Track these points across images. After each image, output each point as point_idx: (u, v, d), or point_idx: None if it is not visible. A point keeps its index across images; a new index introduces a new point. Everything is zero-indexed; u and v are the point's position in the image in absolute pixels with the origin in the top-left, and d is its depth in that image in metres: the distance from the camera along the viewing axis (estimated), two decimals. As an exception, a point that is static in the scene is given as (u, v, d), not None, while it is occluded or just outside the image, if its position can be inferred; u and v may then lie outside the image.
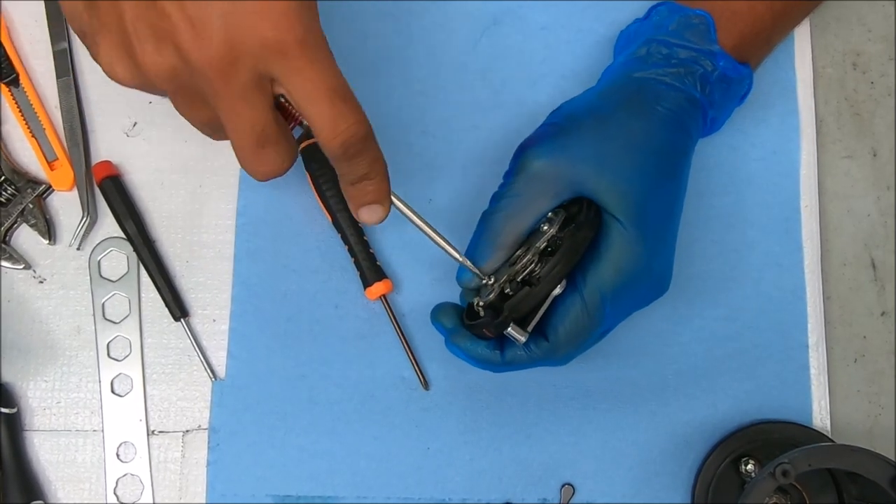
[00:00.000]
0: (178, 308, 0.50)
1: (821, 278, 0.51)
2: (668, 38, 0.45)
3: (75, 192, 0.51)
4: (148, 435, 0.49)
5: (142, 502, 0.49)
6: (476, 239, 0.44)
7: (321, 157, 0.50)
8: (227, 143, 0.37)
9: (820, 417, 0.50)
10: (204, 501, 0.49)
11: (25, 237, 0.51)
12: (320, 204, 0.50)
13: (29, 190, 0.51)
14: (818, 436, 0.48)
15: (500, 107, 0.53)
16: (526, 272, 0.42)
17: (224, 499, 0.49)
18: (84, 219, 0.51)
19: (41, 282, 0.51)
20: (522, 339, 0.42)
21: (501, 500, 0.49)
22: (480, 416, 0.50)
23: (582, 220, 0.42)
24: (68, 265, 0.51)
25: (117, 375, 0.50)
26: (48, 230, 0.51)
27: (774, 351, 0.50)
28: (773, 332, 0.51)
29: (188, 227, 0.52)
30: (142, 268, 0.51)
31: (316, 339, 0.50)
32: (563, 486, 0.49)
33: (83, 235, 0.51)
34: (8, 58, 0.52)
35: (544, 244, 0.42)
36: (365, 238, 0.50)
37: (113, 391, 0.50)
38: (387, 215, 0.40)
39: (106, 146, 0.52)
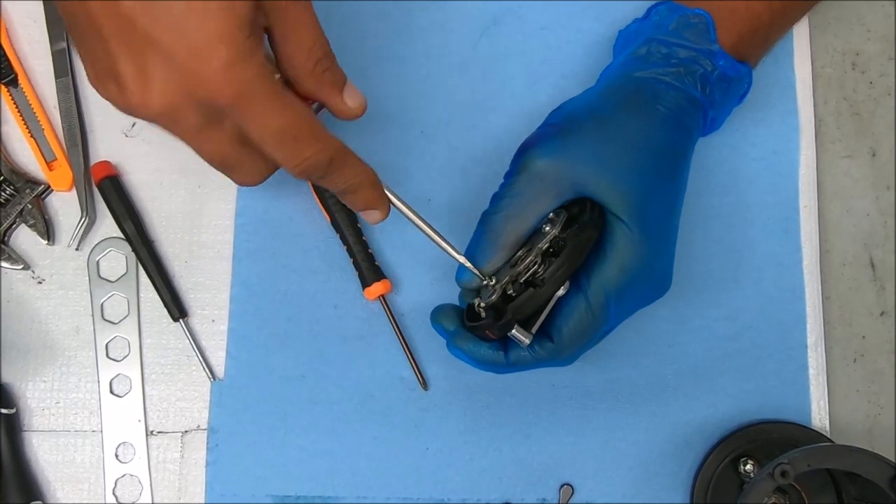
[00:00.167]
0: (176, 308, 0.50)
1: (820, 278, 0.51)
2: (668, 38, 0.45)
3: (74, 193, 0.51)
4: (147, 435, 0.49)
5: (141, 503, 0.49)
6: (476, 239, 0.44)
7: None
8: None
9: (819, 417, 0.50)
10: (203, 502, 0.49)
11: (24, 237, 0.51)
12: (319, 204, 0.50)
13: (28, 190, 0.51)
14: (817, 436, 0.49)
15: (500, 107, 0.53)
16: (529, 273, 0.42)
17: (223, 499, 0.49)
18: (83, 219, 0.51)
19: (40, 282, 0.51)
20: (527, 340, 0.42)
21: (501, 500, 0.49)
22: (480, 416, 0.50)
23: (586, 220, 0.42)
24: (67, 265, 0.51)
25: (116, 376, 0.50)
26: (47, 230, 0.51)
27: (774, 351, 0.50)
28: (772, 332, 0.51)
29: (187, 228, 0.52)
30: (141, 268, 0.51)
31: (315, 339, 0.50)
32: (562, 486, 0.49)
33: (82, 236, 0.51)
34: (7, 58, 0.52)
35: (547, 245, 0.42)
36: (364, 238, 0.50)
37: (112, 391, 0.50)
38: (385, 216, 0.42)
39: (105, 146, 0.52)
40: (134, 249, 0.50)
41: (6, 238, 0.51)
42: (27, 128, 0.51)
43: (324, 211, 0.50)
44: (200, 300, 0.51)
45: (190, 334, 0.50)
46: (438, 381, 0.50)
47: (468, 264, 0.43)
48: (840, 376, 0.51)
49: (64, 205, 0.52)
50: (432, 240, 0.42)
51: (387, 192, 0.41)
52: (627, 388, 0.50)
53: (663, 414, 0.50)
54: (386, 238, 0.51)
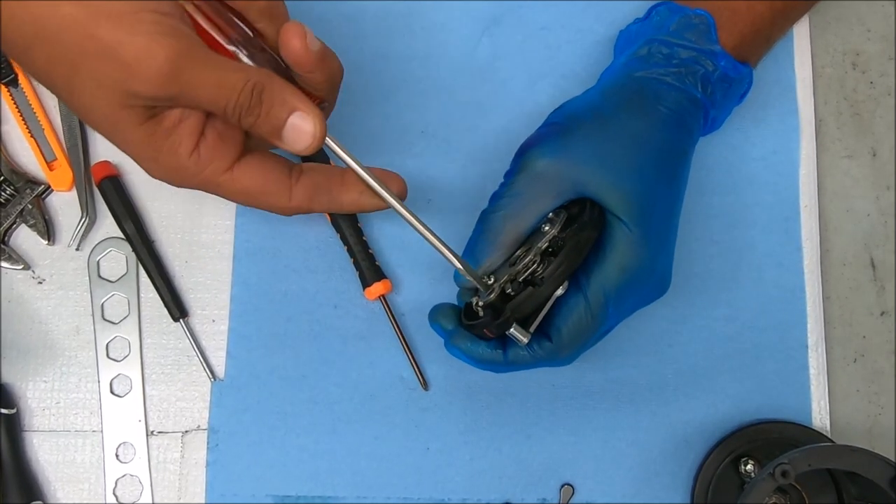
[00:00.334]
0: (177, 308, 0.50)
1: (820, 278, 0.51)
2: (669, 38, 0.45)
3: (74, 193, 0.51)
4: (147, 435, 0.49)
5: (141, 503, 0.49)
6: (475, 237, 0.43)
7: (319, 158, 0.50)
8: None
9: (819, 417, 0.50)
10: (203, 502, 0.49)
11: (24, 237, 0.51)
12: (320, 204, 0.50)
13: (28, 190, 0.51)
14: (818, 436, 0.49)
15: (500, 107, 0.53)
16: (528, 272, 0.42)
17: (223, 499, 0.49)
18: (83, 219, 0.51)
19: (40, 282, 0.51)
20: (525, 339, 0.41)
21: (501, 500, 0.49)
22: (480, 416, 0.50)
23: (585, 220, 0.42)
24: (67, 265, 0.51)
25: (116, 376, 0.50)
26: (47, 230, 0.51)
27: (774, 351, 0.50)
28: (772, 332, 0.51)
29: (187, 228, 0.52)
30: (141, 268, 0.51)
31: (315, 339, 0.50)
32: (562, 486, 0.49)
33: (82, 236, 0.51)
34: (7, 58, 0.52)
35: (546, 244, 0.42)
36: (364, 238, 0.50)
37: (112, 391, 0.50)
38: (318, 130, 0.38)
39: (105, 146, 0.52)
40: (134, 249, 0.50)
41: (6, 238, 0.51)
42: (27, 128, 0.51)
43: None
44: (201, 300, 0.51)
45: (190, 334, 0.50)
46: (439, 381, 0.50)
47: (469, 273, 0.42)
48: (840, 376, 0.51)
49: (64, 205, 0.52)
50: (429, 241, 0.41)
51: (385, 194, 0.40)
52: (627, 388, 0.50)
53: (663, 414, 0.50)
54: (386, 238, 0.51)
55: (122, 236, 0.51)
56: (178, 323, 0.50)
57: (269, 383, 0.50)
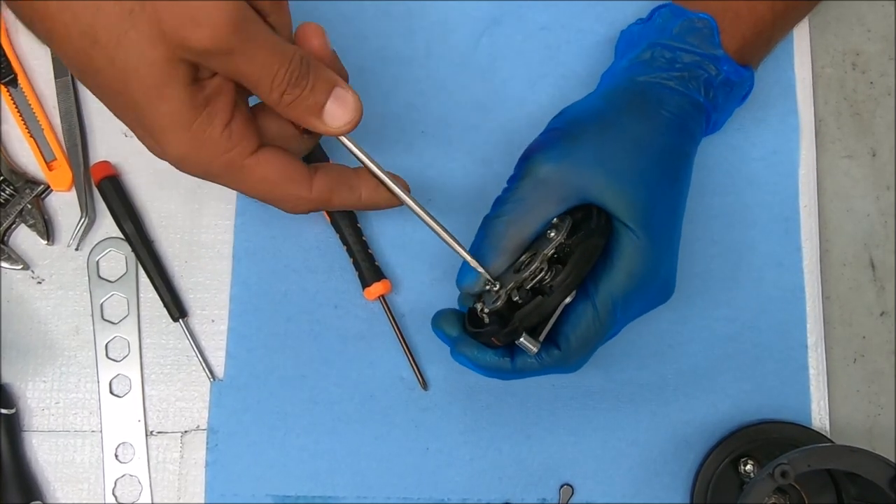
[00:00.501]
0: (176, 308, 0.50)
1: (820, 278, 0.51)
2: (672, 42, 0.45)
3: (74, 193, 0.51)
4: (146, 435, 0.49)
5: (141, 503, 0.49)
6: (478, 242, 0.43)
7: (319, 158, 0.50)
8: None
9: (819, 418, 0.50)
10: (203, 502, 0.49)
11: (24, 237, 0.51)
12: (320, 204, 0.50)
13: (27, 190, 0.51)
14: (817, 436, 0.49)
15: (500, 107, 0.52)
16: (535, 280, 0.41)
17: (223, 499, 0.49)
18: (82, 219, 0.51)
19: (39, 282, 0.51)
20: (535, 349, 0.41)
21: (501, 500, 0.49)
22: (480, 416, 0.50)
23: (593, 227, 0.41)
24: (67, 265, 0.51)
25: (116, 376, 0.50)
26: (47, 230, 0.51)
27: (774, 351, 0.50)
28: (772, 332, 0.51)
29: (187, 227, 0.51)
30: (140, 268, 0.51)
31: (315, 339, 0.50)
32: (562, 486, 0.49)
33: (82, 236, 0.51)
34: (6, 58, 0.52)
35: (552, 251, 0.42)
36: (364, 238, 0.50)
37: (111, 392, 0.50)
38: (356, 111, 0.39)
39: (104, 146, 0.52)
40: (134, 249, 0.50)
41: (6, 238, 0.51)
42: (27, 128, 0.51)
43: (324, 211, 0.50)
44: (200, 300, 0.51)
45: (190, 334, 0.50)
46: (438, 381, 0.50)
47: (480, 268, 0.42)
48: (840, 376, 0.51)
49: (64, 205, 0.52)
50: (439, 235, 0.41)
51: (397, 190, 0.41)
52: (627, 388, 0.50)
53: (663, 414, 0.50)
54: (386, 238, 0.51)
55: (122, 236, 0.50)
56: (177, 323, 0.50)
57: (269, 383, 0.50)
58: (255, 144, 0.37)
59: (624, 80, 0.45)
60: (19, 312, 0.51)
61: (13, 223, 0.51)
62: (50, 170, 0.51)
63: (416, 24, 0.53)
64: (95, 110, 0.52)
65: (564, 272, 0.40)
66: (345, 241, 0.50)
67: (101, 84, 0.35)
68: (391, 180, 0.41)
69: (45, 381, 0.50)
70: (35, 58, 0.53)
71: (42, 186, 0.51)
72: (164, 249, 0.51)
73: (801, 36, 0.54)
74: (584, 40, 0.53)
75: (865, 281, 0.52)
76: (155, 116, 0.35)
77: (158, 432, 0.50)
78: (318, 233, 0.51)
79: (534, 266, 0.41)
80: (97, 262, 0.51)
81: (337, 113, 0.37)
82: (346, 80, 0.40)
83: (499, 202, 0.43)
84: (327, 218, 0.50)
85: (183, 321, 0.50)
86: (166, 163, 0.51)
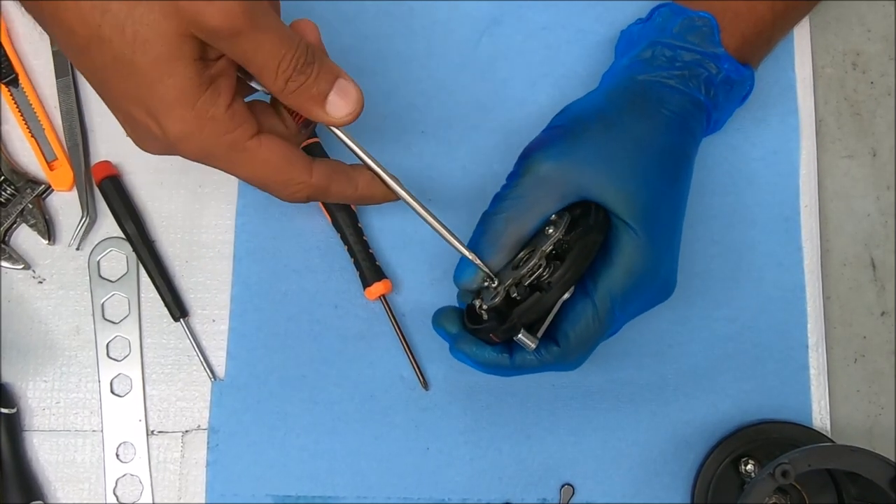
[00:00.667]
0: (177, 308, 0.50)
1: (821, 278, 0.51)
2: (672, 41, 0.45)
3: (75, 192, 0.51)
4: (147, 435, 0.49)
5: (141, 502, 0.49)
6: (476, 239, 0.43)
7: (317, 155, 0.50)
8: None
9: (820, 417, 0.50)
10: (203, 502, 0.49)
11: (25, 237, 0.51)
12: (319, 204, 0.50)
13: (28, 190, 0.51)
14: (818, 436, 0.48)
15: (500, 107, 0.53)
16: (534, 276, 0.41)
17: (223, 499, 0.49)
18: (83, 219, 0.51)
19: (40, 282, 0.51)
20: (533, 345, 0.41)
21: (501, 500, 0.49)
22: (480, 416, 0.50)
23: (591, 223, 0.41)
24: (68, 265, 0.51)
25: (117, 375, 0.50)
26: (48, 230, 0.51)
27: (774, 351, 0.50)
28: (773, 332, 0.51)
29: (188, 227, 0.52)
30: (141, 268, 0.51)
31: (315, 339, 0.50)
32: (562, 486, 0.49)
33: (82, 235, 0.51)
34: (7, 58, 0.52)
35: (550, 248, 0.42)
36: (364, 238, 0.50)
37: (112, 391, 0.50)
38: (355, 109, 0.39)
39: (105, 146, 0.52)
40: (134, 249, 0.50)
41: (7, 238, 0.51)
42: (28, 128, 0.51)
43: (324, 211, 0.50)
44: (201, 300, 0.51)
45: (190, 334, 0.50)
46: (438, 381, 0.50)
47: (478, 261, 0.42)
48: (840, 376, 0.51)
49: (64, 205, 0.52)
50: (440, 234, 0.42)
51: (394, 185, 0.41)
52: (628, 388, 0.50)
53: (663, 414, 0.50)
54: (386, 238, 0.51)
55: (123, 236, 0.51)
56: (178, 323, 0.50)
57: (269, 383, 0.50)
58: (256, 128, 0.38)
59: (625, 78, 0.45)
60: (20, 312, 0.51)
61: (14, 223, 0.51)
62: (51, 169, 0.51)
63: (417, 24, 0.53)
64: (96, 110, 0.52)
65: (563, 268, 0.40)
66: (345, 241, 0.50)
67: (107, 57, 0.34)
68: (387, 176, 0.41)
69: (46, 381, 0.50)
70: (36, 58, 0.53)
71: (43, 186, 0.51)
72: (164, 249, 0.51)
73: (801, 36, 0.54)
74: (584, 40, 0.53)
75: (866, 281, 0.52)
76: (160, 90, 0.35)
77: (159, 432, 0.50)
78: (319, 233, 0.51)
79: (532, 262, 0.41)
80: (98, 262, 0.51)
81: (339, 103, 0.38)
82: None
83: (497, 199, 0.43)
84: (328, 218, 0.50)
85: (184, 321, 0.50)
86: (165, 162, 0.52)
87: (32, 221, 0.51)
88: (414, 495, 0.49)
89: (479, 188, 0.51)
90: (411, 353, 0.50)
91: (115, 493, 0.49)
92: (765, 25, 0.46)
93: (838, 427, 0.50)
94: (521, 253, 0.43)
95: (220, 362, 0.50)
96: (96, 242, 0.51)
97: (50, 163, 0.51)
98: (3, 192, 0.50)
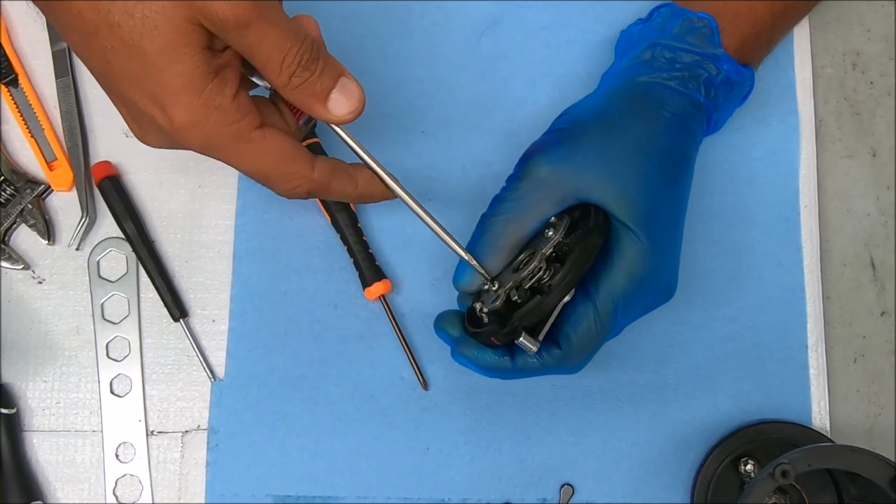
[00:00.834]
0: (177, 308, 0.50)
1: (820, 278, 0.51)
2: (672, 42, 0.45)
3: (74, 193, 0.51)
4: (147, 435, 0.49)
5: (141, 502, 0.49)
6: (475, 240, 0.43)
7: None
8: None
9: (819, 417, 0.50)
10: (203, 502, 0.49)
11: (24, 237, 0.51)
12: (319, 204, 0.50)
13: (28, 190, 0.51)
14: (818, 436, 0.48)
15: (500, 107, 0.53)
16: (534, 279, 0.41)
17: (223, 499, 0.49)
18: (83, 219, 0.51)
19: (40, 282, 0.51)
20: (534, 348, 0.41)
21: (501, 500, 0.49)
22: (480, 416, 0.50)
23: (591, 226, 0.41)
24: (67, 265, 0.51)
25: (116, 376, 0.50)
26: (47, 230, 0.51)
27: (774, 351, 0.50)
28: (772, 332, 0.51)
29: (187, 227, 0.52)
30: (141, 268, 0.51)
31: (315, 339, 0.50)
32: (562, 486, 0.49)
33: (82, 236, 0.51)
34: (7, 58, 0.52)
35: (550, 250, 0.42)
36: (364, 238, 0.50)
37: (112, 391, 0.50)
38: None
39: (105, 146, 0.52)
40: (134, 249, 0.50)
41: (6, 238, 0.51)
42: (27, 128, 0.51)
43: (324, 211, 0.50)
44: (201, 300, 0.51)
45: (190, 334, 0.50)
46: (438, 381, 0.50)
47: (474, 262, 0.42)
48: (840, 376, 0.51)
49: (64, 205, 0.52)
50: (437, 234, 0.42)
51: (392, 184, 0.41)
52: (627, 388, 0.50)
53: (663, 414, 0.50)
54: (386, 238, 0.51)
55: (122, 236, 0.51)
56: (178, 323, 0.50)
57: (269, 383, 0.50)
58: (260, 120, 0.38)
59: (625, 80, 0.45)
60: (20, 312, 0.51)
61: (14, 223, 0.51)
62: (51, 170, 0.51)
63: (416, 24, 0.53)
64: (96, 110, 0.52)
65: (563, 271, 0.40)
66: (345, 241, 0.50)
67: (114, 41, 0.34)
68: (387, 175, 0.41)
69: (46, 381, 0.50)
70: (36, 58, 0.53)
71: (43, 186, 0.51)
72: (164, 249, 0.51)
73: (801, 36, 0.54)
74: (584, 40, 0.53)
75: (865, 281, 0.52)
76: (167, 77, 0.35)
77: (159, 432, 0.50)
78: (319, 233, 0.51)
79: (532, 265, 0.41)
80: (98, 262, 0.51)
81: (341, 101, 0.38)
82: None
83: (497, 200, 0.43)
84: (328, 218, 0.50)
85: (183, 321, 0.50)
86: (165, 162, 0.52)
87: (32, 221, 0.51)
88: (414, 495, 0.49)
89: (479, 188, 0.51)
90: (411, 354, 0.50)
91: (114, 494, 0.49)
92: (764, 26, 0.46)
93: (838, 427, 0.50)
94: (521, 256, 0.43)
95: (219, 362, 0.50)
96: (96, 242, 0.51)
97: (49, 163, 0.51)
98: (3, 193, 0.50)
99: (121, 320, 0.50)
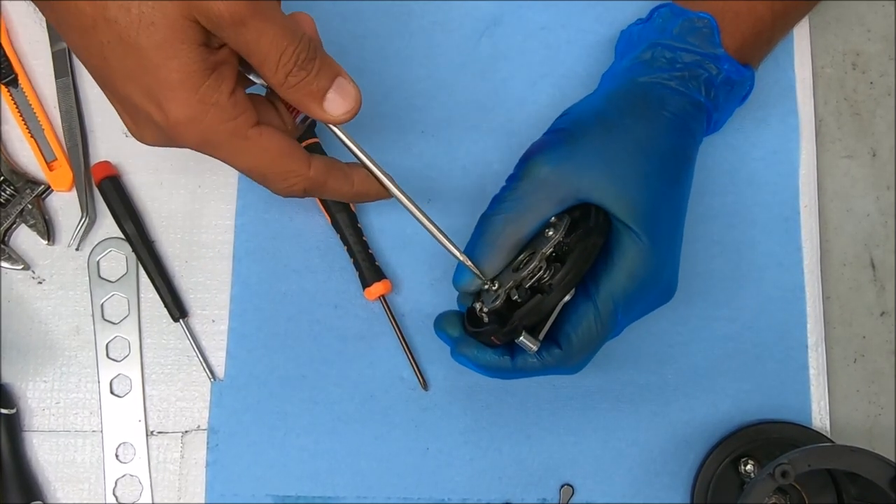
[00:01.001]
0: (177, 308, 0.50)
1: (820, 278, 0.51)
2: (673, 42, 0.45)
3: (74, 193, 0.51)
4: (147, 435, 0.49)
5: (141, 503, 0.49)
6: (474, 240, 0.43)
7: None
8: None
9: (819, 417, 0.50)
10: (203, 502, 0.49)
11: (24, 237, 0.51)
12: (319, 204, 0.50)
13: (28, 190, 0.51)
14: (817, 436, 0.48)
15: (500, 107, 0.53)
16: (534, 279, 0.41)
17: (223, 499, 0.49)
18: (83, 219, 0.51)
19: (40, 282, 0.51)
20: (535, 347, 0.41)
21: (501, 500, 0.49)
22: (480, 416, 0.50)
23: (591, 225, 0.41)
24: (67, 265, 0.51)
25: (116, 376, 0.50)
26: (47, 230, 0.51)
27: (774, 351, 0.50)
28: (772, 332, 0.51)
29: (187, 228, 0.52)
30: (141, 268, 0.51)
31: (315, 339, 0.50)
32: (562, 486, 0.49)
33: (82, 236, 0.51)
34: (7, 58, 0.52)
35: (551, 250, 0.42)
36: (364, 238, 0.50)
37: (112, 392, 0.50)
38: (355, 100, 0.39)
39: (105, 146, 0.52)
40: (134, 249, 0.50)
41: (6, 238, 0.51)
42: (27, 128, 0.51)
43: (324, 211, 0.50)
44: (200, 300, 0.51)
45: (190, 334, 0.50)
46: (438, 381, 0.50)
47: (469, 264, 0.42)
48: (840, 376, 0.51)
49: (64, 205, 0.52)
50: (434, 236, 0.42)
51: (388, 183, 0.41)
52: (627, 388, 0.50)
53: (663, 414, 0.50)
54: (386, 238, 0.51)
55: (122, 236, 0.51)
56: (178, 323, 0.50)
57: (269, 383, 0.50)
58: (257, 118, 0.38)
59: (625, 80, 0.45)
60: (20, 312, 0.51)
61: (14, 223, 0.51)
62: (50, 170, 0.51)
63: (416, 24, 0.53)
64: (96, 110, 0.52)
65: (563, 270, 0.40)
66: (345, 242, 0.50)
67: (112, 37, 0.34)
68: (382, 174, 0.41)
69: (46, 381, 0.50)
70: (35, 58, 0.53)
71: (42, 186, 0.51)
72: (164, 249, 0.51)
73: (801, 36, 0.54)
74: (584, 40, 0.53)
75: (865, 281, 0.52)
76: (164, 73, 0.35)
77: (159, 432, 0.50)
78: (319, 233, 0.51)
79: (532, 265, 0.41)
80: (98, 262, 0.51)
81: (337, 101, 0.38)
82: None
83: (497, 200, 0.43)
84: (328, 218, 0.50)
85: (183, 321, 0.50)
86: (165, 162, 0.52)
87: (32, 222, 0.51)
88: (414, 495, 0.49)
89: (479, 188, 0.51)
90: (411, 354, 0.50)
91: (114, 494, 0.49)
92: (764, 26, 0.46)
93: (838, 427, 0.50)
94: (522, 255, 0.43)
95: (219, 362, 0.50)
96: (96, 243, 0.51)
97: (49, 163, 0.51)
98: (3, 193, 0.50)
99: (121, 320, 0.50)
